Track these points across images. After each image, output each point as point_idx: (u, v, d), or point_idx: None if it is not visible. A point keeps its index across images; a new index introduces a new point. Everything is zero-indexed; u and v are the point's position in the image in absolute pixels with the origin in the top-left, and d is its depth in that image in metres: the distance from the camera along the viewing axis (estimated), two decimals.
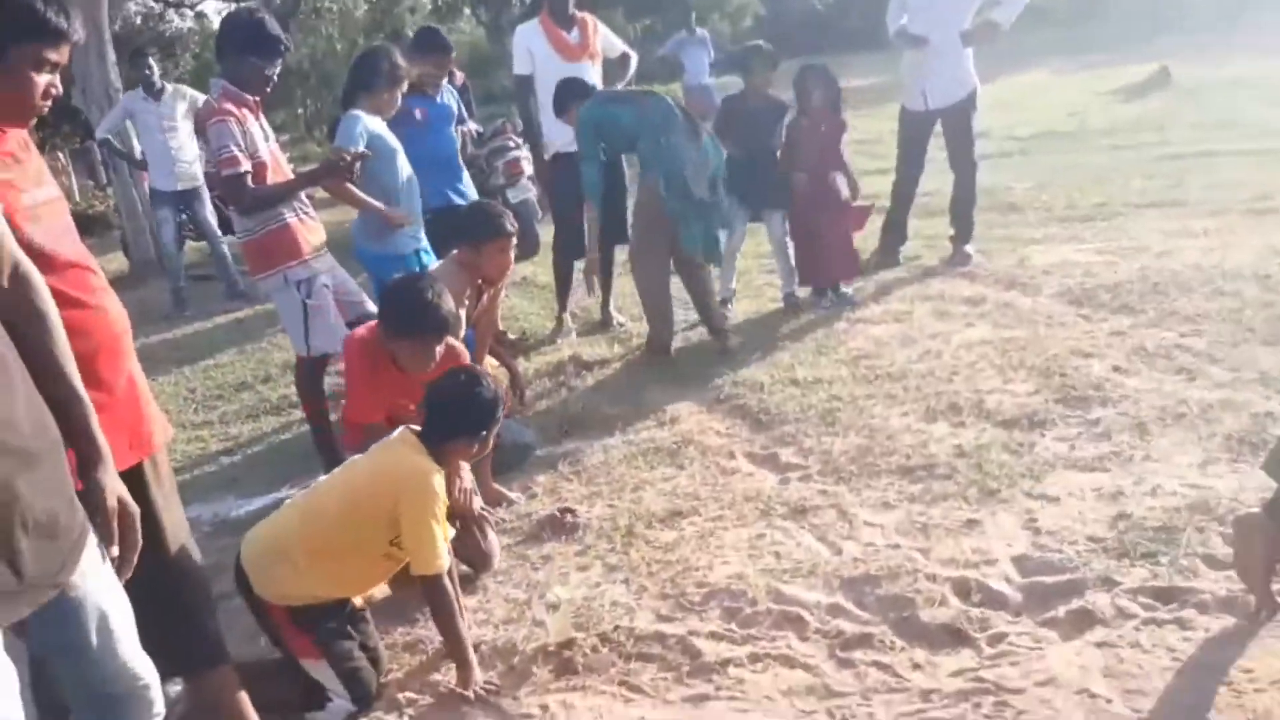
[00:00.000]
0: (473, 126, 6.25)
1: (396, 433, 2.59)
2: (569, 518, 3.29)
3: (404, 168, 4.31)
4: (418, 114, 5.03)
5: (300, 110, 29.76)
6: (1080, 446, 3.32)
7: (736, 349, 4.76)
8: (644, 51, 10.05)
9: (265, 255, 3.82)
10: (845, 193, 5.28)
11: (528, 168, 7.10)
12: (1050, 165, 8.58)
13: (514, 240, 3.66)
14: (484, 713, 2.40)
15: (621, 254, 5.40)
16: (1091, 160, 8.55)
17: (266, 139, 3.84)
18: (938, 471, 3.29)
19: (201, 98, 5.43)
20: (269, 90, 3.85)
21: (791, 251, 5.40)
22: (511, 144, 7.35)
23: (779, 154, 5.35)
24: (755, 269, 6.20)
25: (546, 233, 5.96)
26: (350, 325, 3.94)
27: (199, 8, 25.13)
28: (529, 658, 2.56)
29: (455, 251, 3.71)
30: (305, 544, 2.45)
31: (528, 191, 7.23)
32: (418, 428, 2.58)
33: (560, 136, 5.31)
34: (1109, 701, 2.17)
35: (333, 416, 4.00)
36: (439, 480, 2.48)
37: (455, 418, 2.54)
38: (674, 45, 13.81)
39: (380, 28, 27.92)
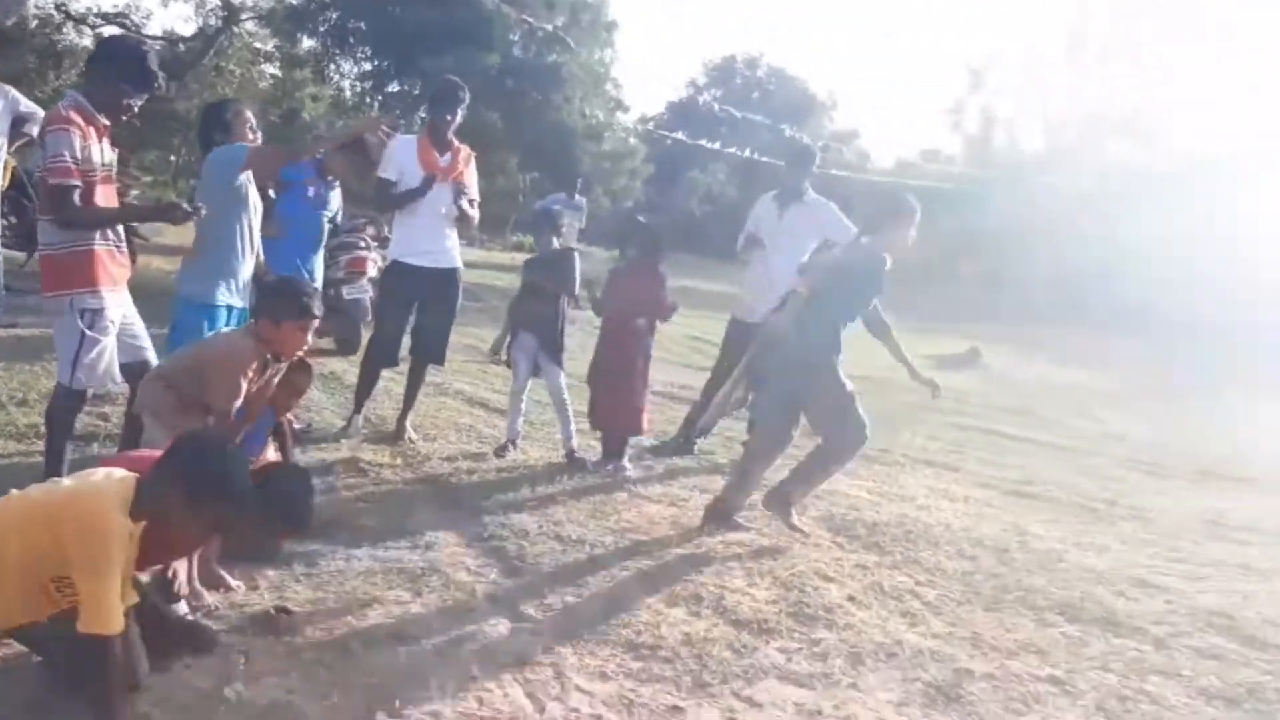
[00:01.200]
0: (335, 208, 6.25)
1: (118, 473, 2.49)
2: (284, 618, 3.17)
3: (247, 225, 4.30)
4: (310, 191, 5.22)
5: (173, 157, 29.09)
6: (797, 661, 3.46)
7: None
8: (527, 201, 10.45)
9: (60, 275, 3.69)
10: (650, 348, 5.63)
11: (372, 269, 7.12)
12: None
13: (315, 323, 3.65)
14: None
15: (439, 374, 5.44)
16: (890, 410, 9.15)
17: (107, 165, 3.77)
18: (661, 654, 3.35)
19: (24, 101, 5.28)
20: (123, 119, 3.82)
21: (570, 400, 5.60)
22: (362, 243, 7.39)
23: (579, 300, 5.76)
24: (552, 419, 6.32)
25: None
26: (124, 369, 3.81)
27: (101, 30, 24.54)
28: None
29: (255, 321, 3.67)
30: None
31: (364, 292, 7.23)
32: (138, 475, 2.48)
33: (400, 247, 5.42)
34: None
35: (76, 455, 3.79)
36: (118, 537, 2.35)
37: (193, 483, 2.46)
38: (550, 203, 14.29)
39: (278, 103, 27.88)
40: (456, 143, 5.54)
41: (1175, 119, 34.84)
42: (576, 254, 5.96)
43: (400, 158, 5.44)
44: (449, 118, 5.46)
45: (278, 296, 3.65)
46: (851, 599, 4.10)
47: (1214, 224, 22.56)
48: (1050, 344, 16.94)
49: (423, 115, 22.44)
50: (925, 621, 3.99)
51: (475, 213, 5.57)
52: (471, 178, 5.60)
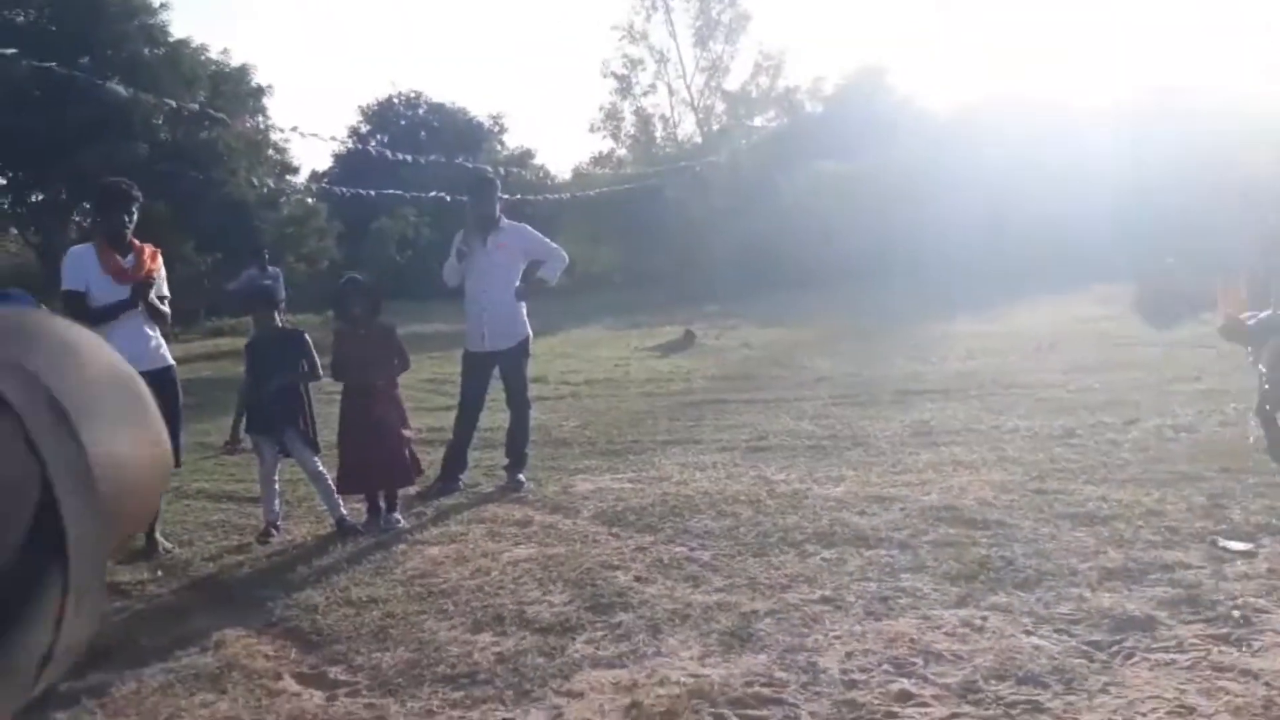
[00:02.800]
0: None
1: None
2: None
3: None
4: None
5: None
6: (604, 647, 3.72)
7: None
8: (215, 284, 10.06)
9: None
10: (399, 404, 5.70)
11: None
12: (596, 408, 9.58)
13: None
14: None
15: (175, 477, 5.22)
16: (630, 404, 9.68)
17: None
18: (479, 677, 3.50)
19: None
20: None
21: (333, 475, 5.59)
22: None
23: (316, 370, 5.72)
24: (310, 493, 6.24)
25: None
26: None
27: None
28: None
29: None
30: None
31: None
32: None
33: None
34: None
35: None
36: None
37: None
38: (245, 280, 13.80)
39: None
40: (138, 243, 5.35)
41: (803, 85, 38.39)
42: (305, 333, 5.91)
43: (80, 269, 5.19)
44: (125, 219, 5.28)
45: None
46: (638, 579, 4.41)
47: (863, 177, 25.16)
48: (751, 312, 18.29)
49: (76, 220, 20.86)
50: (706, 580, 4.37)
51: (167, 308, 5.42)
52: (161, 274, 5.45)
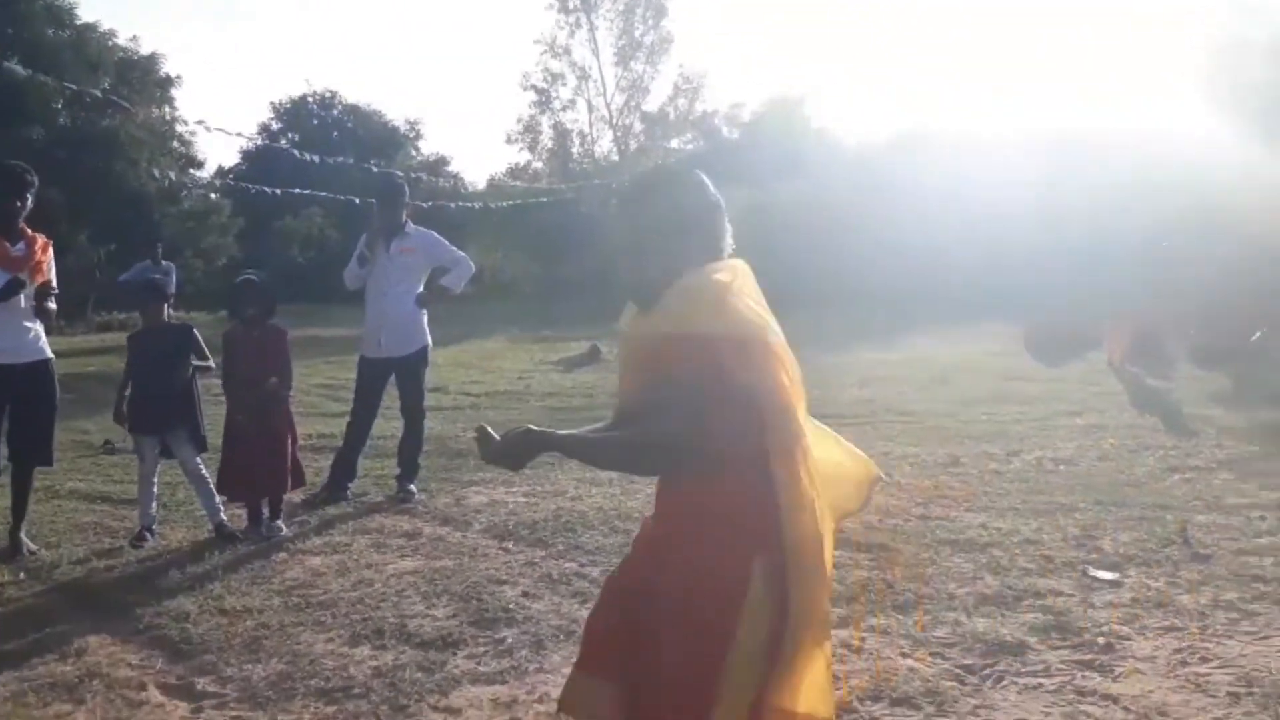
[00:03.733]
0: None
1: None
2: None
3: None
4: None
5: None
6: (485, 663, 3.66)
7: None
8: (107, 276, 9.70)
9: None
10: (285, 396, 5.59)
11: None
12: (495, 419, 9.47)
13: None
14: None
15: (47, 476, 4.99)
16: (531, 418, 9.57)
17: None
18: (354, 692, 3.41)
19: None
20: None
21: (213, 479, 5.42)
22: None
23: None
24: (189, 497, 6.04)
25: None
26: None
27: None
28: None
29: None
30: None
31: None
32: None
33: None
34: None
35: None
36: None
37: None
38: (137, 272, 13.35)
39: None
40: (30, 231, 5.12)
41: (721, 109, 38.97)
42: (193, 328, 5.71)
43: None
44: (19, 204, 5.04)
45: None
46: (526, 594, 4.37)
47: (775, 205, 25.59)
48: None
49: None
50: (594, 597, 4.34)
51: (53, 304, 5.17)
52: (50, 265, 5.20)
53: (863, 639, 3.77)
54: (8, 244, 5.01)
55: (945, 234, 21.83)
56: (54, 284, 5.21)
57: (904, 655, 3.64)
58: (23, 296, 5.00)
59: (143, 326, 5.73)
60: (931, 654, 3.65)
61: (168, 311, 5.74)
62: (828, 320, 18.40)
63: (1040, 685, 3.36)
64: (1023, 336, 15.28)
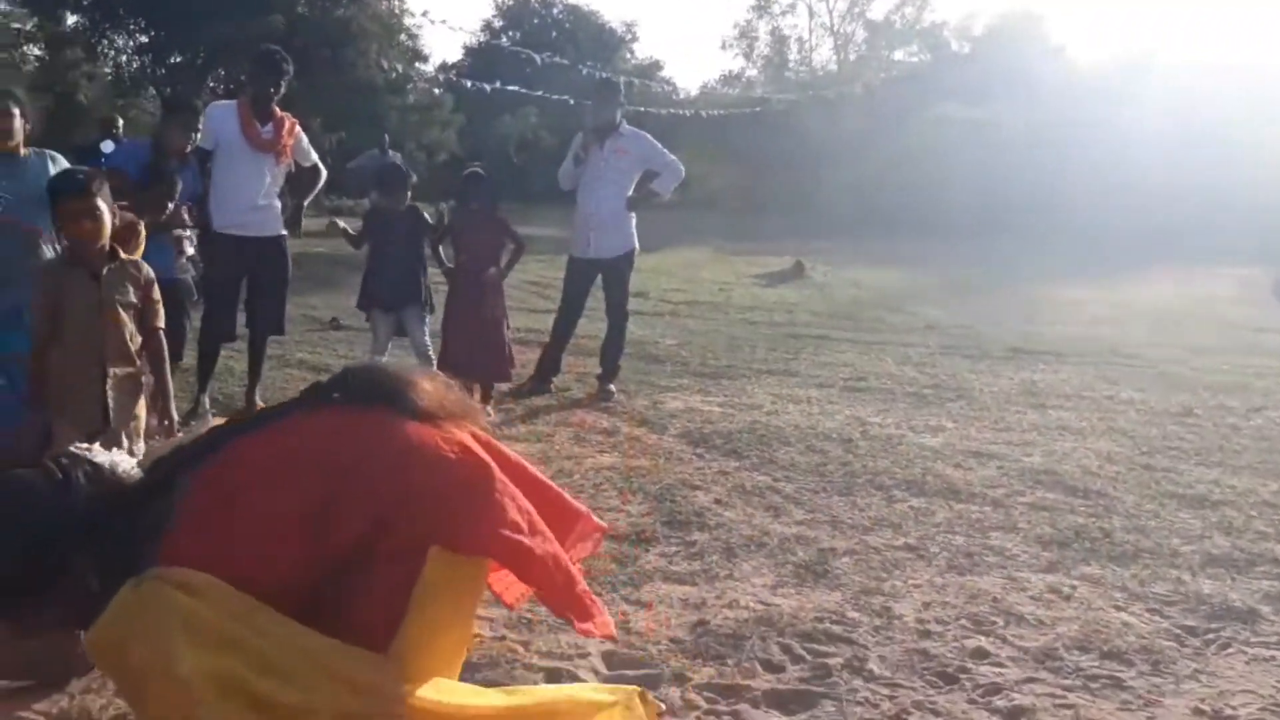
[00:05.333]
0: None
1: None
2: None
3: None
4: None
5: None
6: (676, 562, 3.69)
7: None
8: (336, 164, 10.29)
9: None
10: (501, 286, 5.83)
11: (189, 248, 6.87)
12: (694, 328, 9.50)
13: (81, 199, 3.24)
14: None
15: (279, 346, 5.34)
16: (729, 330, 9.57)
17: None
18: None
19: None
20: None
21: (435, 352, 5.65)
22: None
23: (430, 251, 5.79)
24: None
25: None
26: None
27: None
28: None
29: None
30: None
31: (185, 271, 6.96)
32: None
33: (221, 218, 5.30)
34: None
35: None
36: None
37: None
38: (365, 161, 14.00)
39: (49, 87, 25.84)
40: (279, 112, 5.43)
41: (951, 21, 36.79)
42: (425, 212, 5.92)
43: (218, 126, 5.28)
44: (272, 90, 5.37)
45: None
46: (718, 502, 4.36)
47: (1001, 126, 24.13)
48: (865, 251, 17.84)
49: (211, 85, 21.34)
50: (787, 512, 4.30)
51: (323, 173, 5.89)
52: (303, 146, 5.61)
53: (1073, 586, 3.56)
54: (258, 125, 5.32)
55: (1179, 170, 20.04)
56: (314, 158, 5.72)
57: (1117, 608, 3.41)
58: (267, 173, 5.32)
59: (381, 207, 5.93)
60: (1149, 610, 3.41)
61: (407, 195, 5.85)
62: (1050, 253, 17.36)
63: (1273, 658, 3.07)
64: (1271, 284, 13.96)
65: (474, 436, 1.73)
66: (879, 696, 2.81)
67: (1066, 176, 21.15)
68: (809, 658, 3.02)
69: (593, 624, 1.94)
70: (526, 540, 1.69)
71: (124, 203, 4.16)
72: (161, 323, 3.43)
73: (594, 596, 1.95)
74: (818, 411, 6.14)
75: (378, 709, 1.45)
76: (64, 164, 4.04)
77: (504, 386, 6.11)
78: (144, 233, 4.19)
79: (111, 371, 3.20)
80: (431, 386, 1.68)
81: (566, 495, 2.01)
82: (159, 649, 1.32)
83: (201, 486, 1.47)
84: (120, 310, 3.23)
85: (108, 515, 1.45)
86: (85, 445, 1.54)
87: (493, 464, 1.69)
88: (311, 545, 1.49)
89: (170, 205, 4.89)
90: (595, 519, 2.05)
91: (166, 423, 3.52)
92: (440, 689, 1.57)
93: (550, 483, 1.94)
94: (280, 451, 1.54)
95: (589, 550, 2.08)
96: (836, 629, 3.19)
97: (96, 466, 1.49)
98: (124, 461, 1.54)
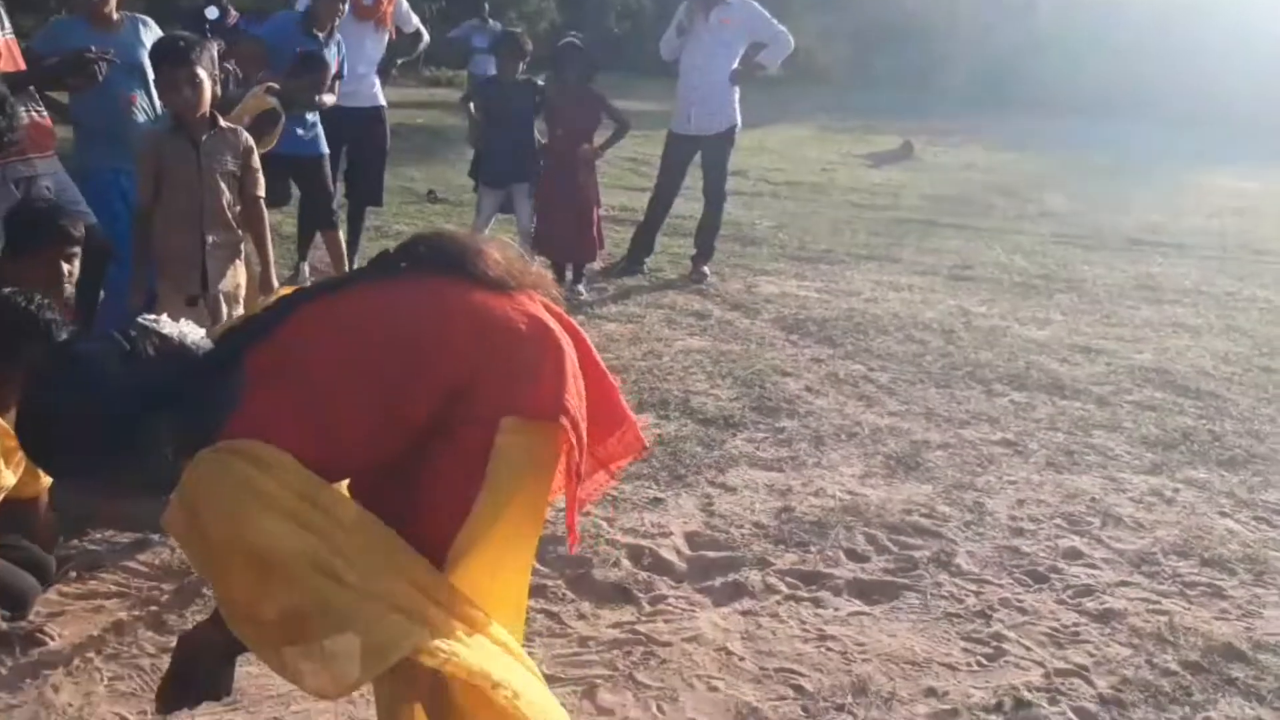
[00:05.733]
0: None
1: None
2: None
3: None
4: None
5: (51, 20, 27.17)
6: (764, 449, 3.67)
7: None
8: (436, 33, 10.16)
9: None
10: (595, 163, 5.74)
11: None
12: (793, 211, 9.26)
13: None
14: None
15: (378, 217, 5.39)
16: (830, 212, 9.30)
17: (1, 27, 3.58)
18: None
19: None
20: None
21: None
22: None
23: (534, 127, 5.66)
24: None
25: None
26: None
27: None
28: None
29: None
30: None
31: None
32: None
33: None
34: (741, 659, 2.44)
35: None
36: None
37: None
38: (466, 29, 13.80)
39: None
40: None
41: None
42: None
43: None
44: None
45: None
46: (809, 389, 4.30)
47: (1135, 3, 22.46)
48: (978, 131, 17.03)
49: None
50: (880, 402, 4.22)
51: (425, 36, 6.18)
52: (404, 11, 5.67)
53: (1176, 490, 3.43)
54: None
55: None
56: (415, 22, 5.84)
57: (1223, 515, 3.28)
58: (368, 41, 5.29)
59: (495, 78, 5.81)
60: (1256, 518, 3.27)
61: (522, 66, 5.68)
62: (1182, 134, 16.31)
63: None
64: None
65: (546, 308, 1.68)
66: (965, 592, 2.77)
67: (1212, 54, 19.66)
68: (894, 549, 2.99)
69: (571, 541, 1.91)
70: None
71: (274, 84, 4.16)
72: (261, 191, 3.45)
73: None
74: (919, 300, 5.97)
75: (429, 614, 1.41)
76: (155, 30, 4.04)
77: (597, 265, 6.08)
78: (281, 127, 4.13)
79: (210, 238, 3.25)
80: (501, 255, 1.62)
81: (621, 396, 1.93)
82: (236, 525, 1.33)
83: (266, 360, 1.46)
84: (218, 178, 3.26)
85: (176, 386, 1.45)
86: (153, 317, 1.53)
87: (564, 338, 1.64)
88: (381, 422, 1.47)
89: (319, 96, 4.82)
90: (640, 432, 1.97)
91: (267, 290, 3.58)
92: (476, 648, 1.44)
93: (609, 374, 1.88)
94: (347, 324, 1.51)
95: (620, 459, 1.99)
96: (925, 522, 3.14)
97: (165, 338, 1.49)
98: (193, 332, 1.54)
